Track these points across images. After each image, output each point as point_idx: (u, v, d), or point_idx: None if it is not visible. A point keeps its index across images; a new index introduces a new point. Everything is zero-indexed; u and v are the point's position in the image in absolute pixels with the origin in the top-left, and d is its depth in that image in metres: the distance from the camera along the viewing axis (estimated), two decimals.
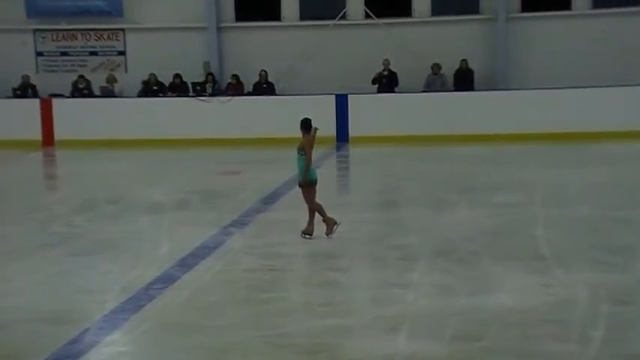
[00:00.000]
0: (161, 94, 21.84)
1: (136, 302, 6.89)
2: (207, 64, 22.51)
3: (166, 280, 7.58)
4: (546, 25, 22.15)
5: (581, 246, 8.65)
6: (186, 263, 8.22)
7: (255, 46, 22.79)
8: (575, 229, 9.56)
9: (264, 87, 21.96)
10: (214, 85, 21.90)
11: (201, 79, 21.98)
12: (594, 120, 19.49)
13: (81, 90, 22.22)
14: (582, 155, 17.30)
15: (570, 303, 6.58)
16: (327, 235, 9.16)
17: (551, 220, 10.03)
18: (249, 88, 22.14)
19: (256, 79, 22.08)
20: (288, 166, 15.79)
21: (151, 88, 21.96)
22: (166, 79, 22.13)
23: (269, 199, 12.13)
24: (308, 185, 9.25)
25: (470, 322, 6.22)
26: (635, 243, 8.74)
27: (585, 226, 9.69)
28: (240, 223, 10.35)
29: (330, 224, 9.20)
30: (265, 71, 22.04)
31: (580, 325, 6.08)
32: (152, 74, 22.00)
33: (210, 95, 21.19)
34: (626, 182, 13.24)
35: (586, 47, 21.69)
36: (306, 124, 9.36)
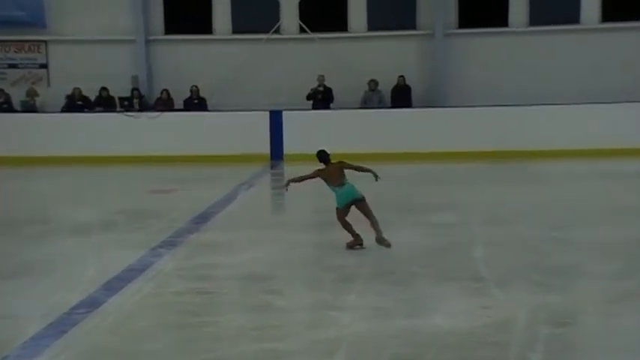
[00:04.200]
0: (86, 109, 21.60)
1: (58, 328, 6.78)
2: (135, 79, 22.37)
3: (91, 304, 7.47)
4: (484, 41, 22.54)
5: (521, 266, 8.78)
6: (113, 287, 8.12)
7: (186, 60, 22.75)
8: (514, 249, 9.70)
9: (195, 102, 21.90)
10: (141, 100, 21.74)
11: (129, 93, 21.82)
12: (533, 139, 19.87)
13: (0, 104, 21.86)
14: (521, 174, 17.59)
15: (509, 325, 6.67)
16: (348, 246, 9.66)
17: (490, 241, 10.18)
18: (179, 103, 22.04)
19: (187, 94, 22.01)
20: (221, 184, 15.79)
21: (75, 103, 21.71)
22: (92, 93, 21.90)
23: (201, 219, 12.07)
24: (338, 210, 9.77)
25: (407, 345, 6.27)
26: (575, 263, 8.91)
27: (525, 246, 9.84)
28: (171, 244, 10.27)
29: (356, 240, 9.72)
30: (196, 86, 21.99)
31: (518, 347, 6.17)
32: (77, 88, 21.76)
33: (139, 110, 21.04)
34: (565, 202, 13.51)
35: (524, 64, 22.13)
36: (325, 157, 10.02)
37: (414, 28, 22.92)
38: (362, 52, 22.49)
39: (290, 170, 19.00)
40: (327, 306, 7.36)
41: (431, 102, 22.06)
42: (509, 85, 21.88)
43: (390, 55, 22.42)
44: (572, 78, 21.86)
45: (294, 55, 22.68)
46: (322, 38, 22.57)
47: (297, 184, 9.95)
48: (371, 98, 21.79)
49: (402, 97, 21.81)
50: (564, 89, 21.54)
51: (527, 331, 6.53)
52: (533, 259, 9.12)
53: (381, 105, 21.67)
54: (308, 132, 20.05)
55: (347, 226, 9.70)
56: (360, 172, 9.86)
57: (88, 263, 9.28)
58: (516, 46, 22.48)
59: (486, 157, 19.31)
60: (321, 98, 21.46)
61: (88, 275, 8.72)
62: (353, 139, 19.83)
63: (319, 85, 21.55)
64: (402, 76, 21.94)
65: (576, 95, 20.97)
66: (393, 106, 21.61)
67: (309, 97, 21.46)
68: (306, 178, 10.00)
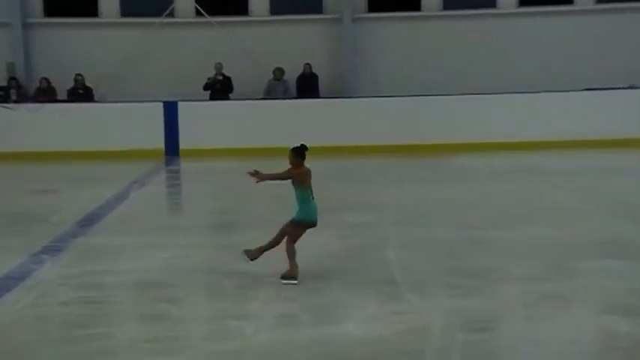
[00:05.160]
0: None
1: None
2: (11, 66, 21.93)
3: None
4: (395, 26, 22.80)
5: (437, 269, 8.93)
6: None
7: (69, 46, 22.43)
8: (430, 251, 9.85)
9: (80, 93, 21.61)
10: (19, 90, 21.34)
11: (5, 83, 21.39)
12: (452, 132, 20.16)
13: None
14: (437, 170, 17.85)
15: (424, 331, 6.79)
16: (281, 278, 8.41)
17: (406, 242, 10.33)
18: (62, 94, 21.71)
19: (71, 83, 21.69)
20: (110, 183, 15.63)
21: None
22: None
23: (88, 222, 11.94)
24: (303, 225, 8.62)
25: (316, 356, 6.32)
26: (493, 265, 9.10)
27: (441, 247, 10.00)
28: (54, 249, 10.13)
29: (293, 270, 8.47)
30: (81, 75, 21.70)
31: (434, 355, 6.28)
32: None
33: (16, 102, 20.64)
34: (486, 200, 13.77)
35: (439, 50, 22.45)
36: (302, 153, 8.91)
37: (320, 12, 23.06)
38: (264, 38, 22.53)
39: (187, 167, 18.97)
40: (228, 315, 7.37)
41: (340, 91, 22.24)
42: (424, 73, 22.19)
43: (294, 42, 22.51)
44: (490, 65, 22.29)
45: (189, 41, 22.58)
46: (220, 22, 22.51)
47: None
48: (275, 88, 21.84)
49: (308, 86, 21.92)
50: (484, 77, 21.95)
51: (443, 338, 6.65)
52: (450, 262, 9.28)
53: (286, 95, 21.74)
54: (206, 125, 20.01)
55: (293, 252, 8.55)
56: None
57: None
58: (430, 31, 22.80)
59: (401, 152, 19.55)
60: (220, 88, 21.41)
61: None
62: (256, 133, 19.86)
63: (217, 74, 21.49)
64: (308, 63, 22.05)
65: (498, 84, 21.36)
66: (299, 97, 21.71)
67: (206, 87, 21.39)
68: (278, 178, 9.00)
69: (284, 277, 8.39)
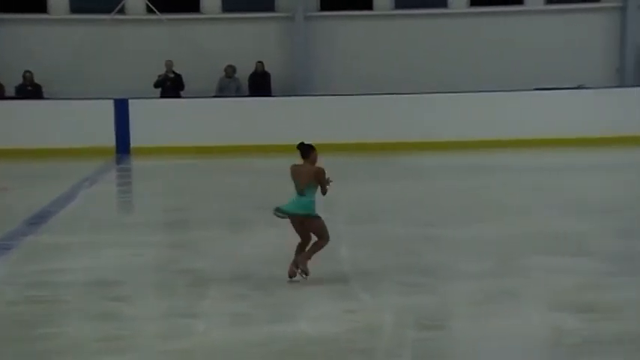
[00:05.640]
0: None
1: None
2: None
3: None
4: (348, 25, 22.86)
5: (389, 267, 8.97)
6: None
7: (18, 43, 22.16)
8: (382, 248, 9.89)
9: (29, 90, 21.40)
10: None
11: None
12: (404, 130, 20.25)
13: None
14: (391, 168, 17.92)
15: (376, 329, 6.82)
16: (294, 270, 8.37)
17: (357, 240, 10.35)
18: (10, 91, 21.48)
19: (19, 80, 21.45)
20: (60, 181, 15.48)
21: None
22: None
23: (37, 220, 11.82)
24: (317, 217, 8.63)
25: (268, 354, 6.33)
26: (445, 262, 9.17)
27: (393, 245, 10.06)
28: (3, 247, 10.03)
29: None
30: (30, 72, 21.48)
31: (385, 353, 6.32)
32: None
33: None
34: (435, 198, 13.87)
35: (391, 49, 22.55)
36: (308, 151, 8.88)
37: (272, 10, 23.06)
38: (216, 36, 22.47)
39: (138, 165, 18.86)
40: (179, 313, 7.35)
41: (292, 90, 22.24)
42: (376, 72, 22.25)
43: (247, 40, 22.47)
44: (442, 64, 22.42)
45: (140, 38, 22.44)
46: (172, 19, 22.40)
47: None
48: (227, 86, 21.79)
49: (261, 84, 21.90)
50: (435, 76, 22.07)
51: (395, 336, 6.69)
52: (402, 259, 9.34)
53: (238, 93, 21.69)
54: (158, 123, 19.89)
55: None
56: None
57: None
58: (382, 30, 22.88)
59: (353, 150, 19.59)
60: (171, 86, 21.31)
61: None
62: (208, 131, 19.81)
63: (168, 72, 21.39)
64: (260, 61, 22.03)
65: (450, 83, 21.49)
66: (252, 95, 21.68)
67: (157, 85, 21.29)
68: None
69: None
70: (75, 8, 22.70)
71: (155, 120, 20.04)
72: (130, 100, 20.37)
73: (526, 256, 9.35)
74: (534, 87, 21.25)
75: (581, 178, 15.85)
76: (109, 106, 20.14)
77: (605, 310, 7.34)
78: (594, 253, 9.43)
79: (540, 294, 7.99)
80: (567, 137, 19.99)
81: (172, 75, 21.43)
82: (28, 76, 21.45)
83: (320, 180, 8.60)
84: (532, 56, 22.61)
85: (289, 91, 22.20)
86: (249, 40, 22.49)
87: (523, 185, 14.92)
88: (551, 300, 7.72)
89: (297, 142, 8.53)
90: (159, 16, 22.37)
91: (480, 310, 7.45)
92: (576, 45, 22.85)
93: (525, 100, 20.89)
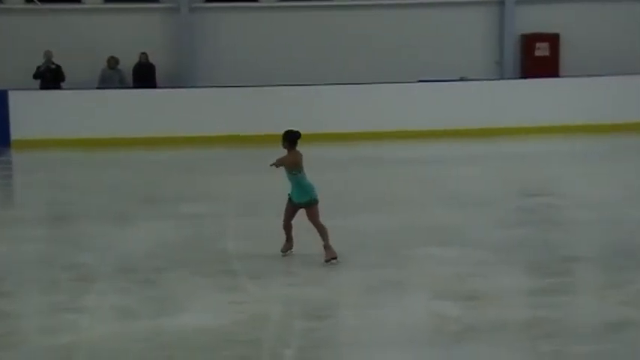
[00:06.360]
0: None
1: None
2: None
3: None
4: (234, 16, 22.80)
5: (276, 259, 9.03)
6: None
7: None
8: (269, 241, 9.90)
9: None
10: None
11: None
12: (287, 122, 20.16)
13: None
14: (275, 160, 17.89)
15: (262, 320, 6.88)
16: (326, 261, 8.73)
17: (244, 232, 10.40)
18: None
19: None
20: None
21: None
22: None
23: None
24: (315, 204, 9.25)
25: (153, 347, 6.32)
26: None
27: (280, 237, 10.10)
28: None
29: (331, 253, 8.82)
30: None
31: (271, 344, 6.38)
32: None
33: None
34: (323, 189, 13.92)
35: (275, 41, 22.57)
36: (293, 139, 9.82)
37: (156, 0, 22.83)
38: (98, 27, 22.11)
39: (19, 158, 18.47)
40: (63, 308, 7.27)
41: (178, 82, 22.06)
42: (261, 63, 22.23)
43: (130, 31, 22.18)
44: (326, 56, 22.55)
45: (19, 28, 21.95)
46: (52, 10, 21.98)
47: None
48: (110, 77, 21.48)
49: (145, 76, 21.66)
50: (320, 68, 22.18)
51: (282, 327, 6.76)
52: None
53: (121, 84, 21.43)
54: (39, 115, 19.47)
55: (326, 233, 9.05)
56: None
57: None
58: (266, 22, 22.89)
59: (239, 142, 19.54)
60: (50, 77, 20.90)
61: None
62: (91, 123, 19.45)
63: (47, 62, 20.97)
64: (144, 53, 21.79)
65: (334, 75, 21.64)
66: (136, 86, 21.43)
67: (36, 76, 20.85)
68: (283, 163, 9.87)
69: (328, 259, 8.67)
70: None
71: (36, 112, 19.61)
72: (9, 92, 19.90)
73: (410, 247, 9.53)
74: (418, 79, 21.54)
75: (468, 170, 16.06)
76: None
77: (486, 298, 7.55)
78: (475, 243, 9.65)
79: (424, 283, 8.18)
80: (450, 128, 20.29)
81: (53, 66, 21.03)
82: None
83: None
84: (416, 48, 22.92)
85: (174, 83, 22.01)
86: (133, 31, 22.20)
87: (410, 177, 15.08)
88: (435, 289, 7.90)
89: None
90: (39, 5, 21.91)
91: (365, 300, 7.58)
92: (458, 38, 23.26)
93: (409, 91, 21.14)
